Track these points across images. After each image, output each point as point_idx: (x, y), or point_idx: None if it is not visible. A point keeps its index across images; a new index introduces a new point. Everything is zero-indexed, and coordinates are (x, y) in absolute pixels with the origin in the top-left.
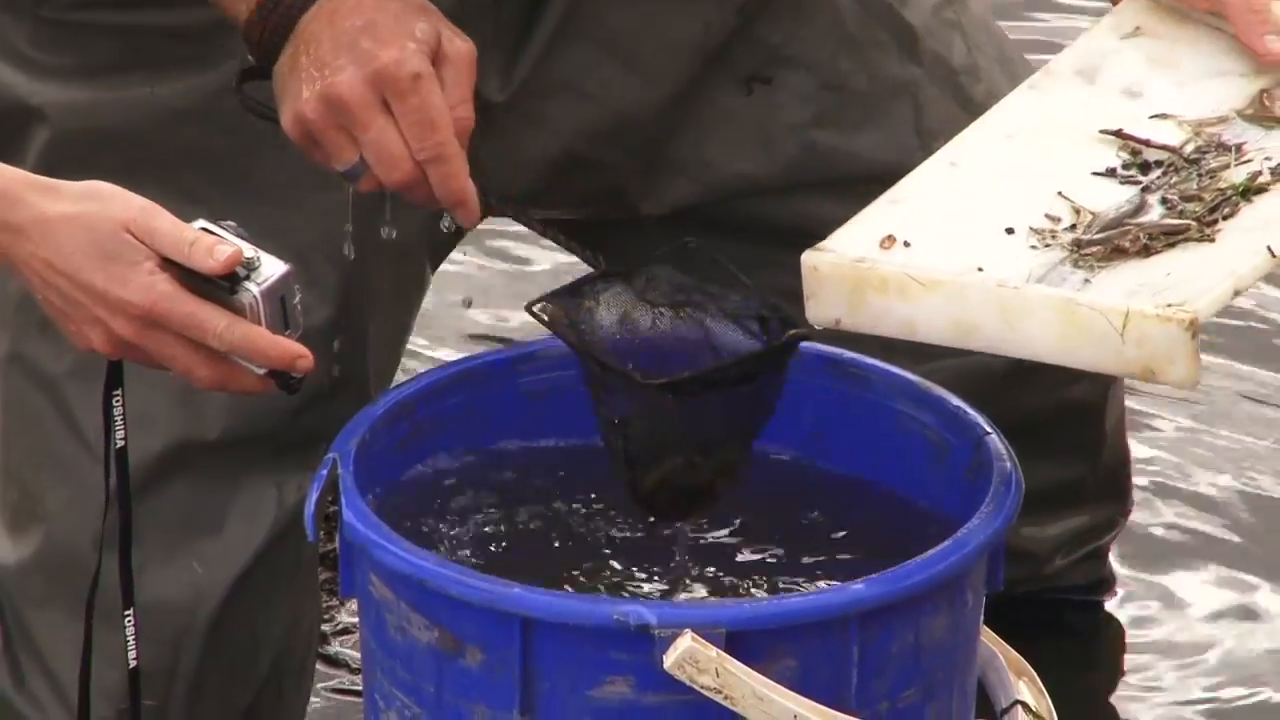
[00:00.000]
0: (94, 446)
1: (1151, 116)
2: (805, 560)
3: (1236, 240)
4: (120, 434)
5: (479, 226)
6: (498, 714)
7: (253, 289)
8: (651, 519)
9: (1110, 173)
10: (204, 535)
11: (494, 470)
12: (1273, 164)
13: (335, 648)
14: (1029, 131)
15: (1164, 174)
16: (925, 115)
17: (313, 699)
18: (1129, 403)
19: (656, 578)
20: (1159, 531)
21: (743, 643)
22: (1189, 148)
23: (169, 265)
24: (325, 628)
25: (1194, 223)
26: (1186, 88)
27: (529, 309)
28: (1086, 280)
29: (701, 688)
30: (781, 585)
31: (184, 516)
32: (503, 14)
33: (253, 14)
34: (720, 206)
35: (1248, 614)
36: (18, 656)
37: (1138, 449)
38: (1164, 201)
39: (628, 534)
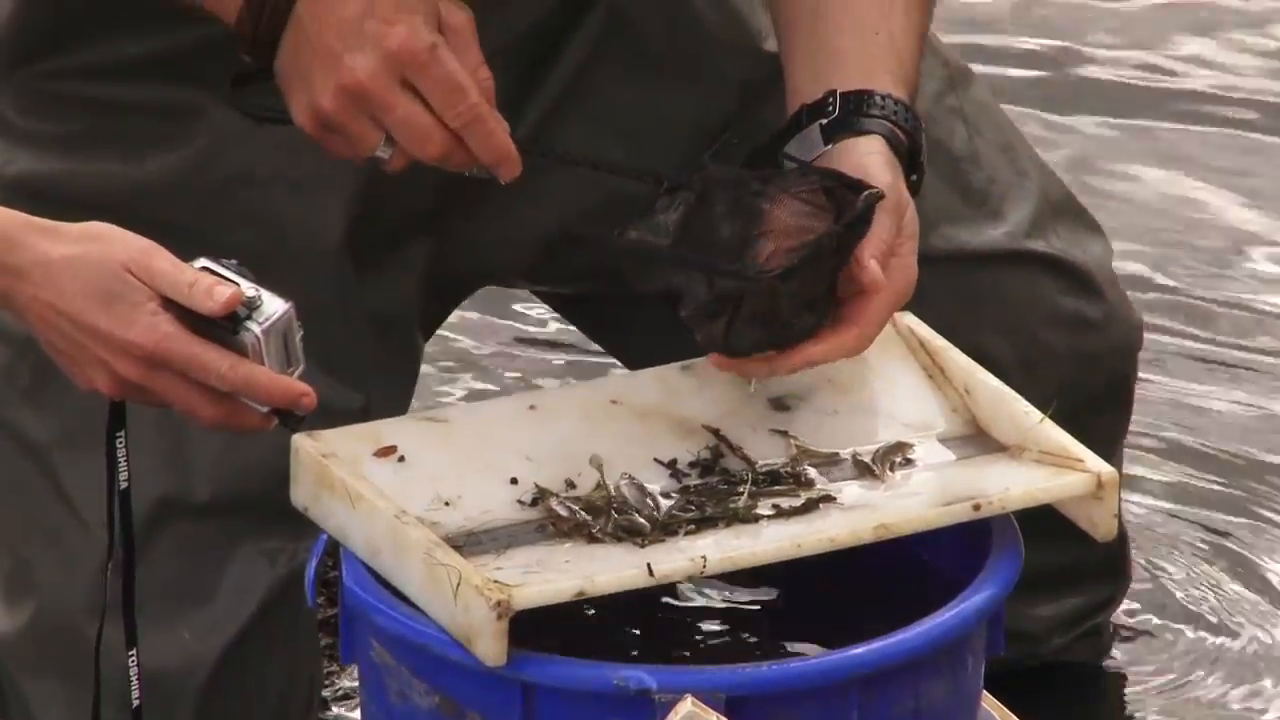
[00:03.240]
0: (82, 514)
1: (771, 430)
2: (803, 612)
3: (654, 553)
4: (124, 475)
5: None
6: None
7: (254, 329)
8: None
9: (671, 463)
10: (194, 604)
11: None
12: (798, 504)
13: (336, 712)
14: (634, 400)
15: (721, 480)
16: (924, 201)
17: None
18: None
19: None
20: (1161, 592)
21: (743, 707)
22: (773, 467)
23: (171, 305)
24: (326, 693)
25: (648, 525)
26: (836, 415)
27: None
28: (520, 545)
29: None
30: (781, 636)
31: (174, 584)
32: (495, 88)
33: (243, 9)
34: None
35: (1252, 674)
36: None
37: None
38: (688, 504)
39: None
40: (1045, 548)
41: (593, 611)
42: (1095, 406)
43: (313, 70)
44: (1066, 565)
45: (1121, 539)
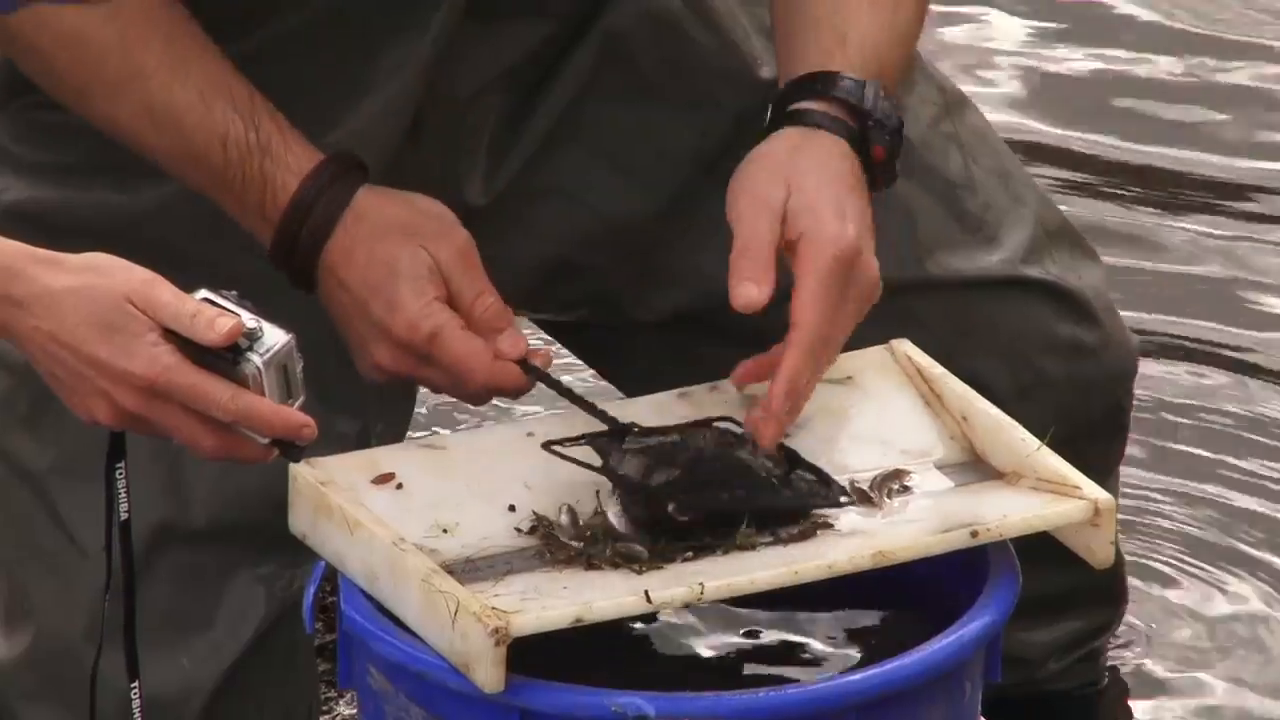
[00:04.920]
0: (80, 541)
1: None
2: (798, 633)
3: (651, 579)
4: (124, 506)
5: None
6: None
7: (255, 360)
8: None
9: None
10: (192, 631)
11: None
12: (795, 531)
13: None
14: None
15: None
16: (919, 228)
17: None
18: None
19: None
20: (1159, 618)
21: None
22: None
23: (172, 336)
24: (324, 719)
25: (645, 551)
26: (833, 443)
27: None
28: (518, 572)
29: None
30: (776, 656)
31: (171, 611)
32: (489, 116)
33: (274, 244)
34: (717, 314)
35: (1252, 702)
36: None
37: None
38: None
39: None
40: (1041, 572)
41: (592, 637)
42: (1091, 433)
43: (353, 341)
44: (1062, 590)
45: (1118, 564)
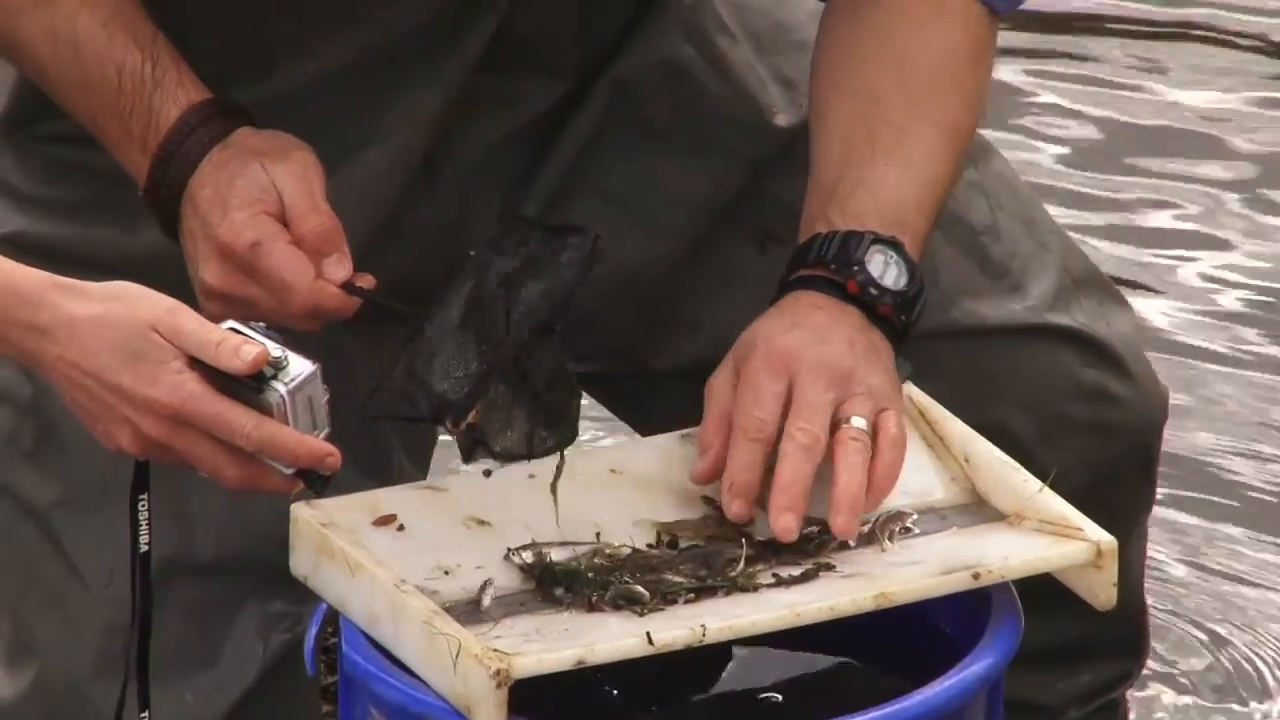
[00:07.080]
0: (85, 575)
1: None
2: (801, 675)
3: (653, 621)
4: (145, 538)
5: None
6: None
7: (280, 389)
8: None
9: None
10: (197, 666)
11: None
12: (798, 572)
13: None
14: (634, 469)
15: (720, 549)
16: (941, 275)
17: None
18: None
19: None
20: (1175, 665)
21: None
22: (773, 535)
23: (196, 365)
24: None
25: (647, 593)
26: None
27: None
28: (519, 613)
29: None
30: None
31: (177, 646)
32: (503, 169)
33: (145, 193)
34: None
35: None
36: None
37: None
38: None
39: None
40: (1061, 619)
41: (595, 675)
42: (1118, 480)
43: (191, 260)
44: (1083, 638)
45: (1139, 614)
